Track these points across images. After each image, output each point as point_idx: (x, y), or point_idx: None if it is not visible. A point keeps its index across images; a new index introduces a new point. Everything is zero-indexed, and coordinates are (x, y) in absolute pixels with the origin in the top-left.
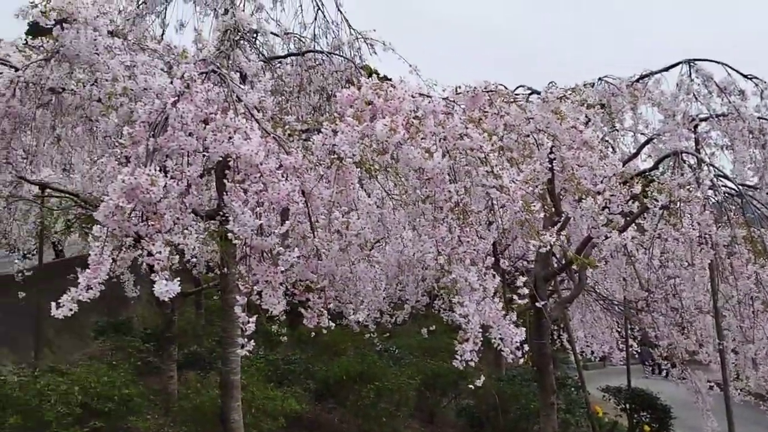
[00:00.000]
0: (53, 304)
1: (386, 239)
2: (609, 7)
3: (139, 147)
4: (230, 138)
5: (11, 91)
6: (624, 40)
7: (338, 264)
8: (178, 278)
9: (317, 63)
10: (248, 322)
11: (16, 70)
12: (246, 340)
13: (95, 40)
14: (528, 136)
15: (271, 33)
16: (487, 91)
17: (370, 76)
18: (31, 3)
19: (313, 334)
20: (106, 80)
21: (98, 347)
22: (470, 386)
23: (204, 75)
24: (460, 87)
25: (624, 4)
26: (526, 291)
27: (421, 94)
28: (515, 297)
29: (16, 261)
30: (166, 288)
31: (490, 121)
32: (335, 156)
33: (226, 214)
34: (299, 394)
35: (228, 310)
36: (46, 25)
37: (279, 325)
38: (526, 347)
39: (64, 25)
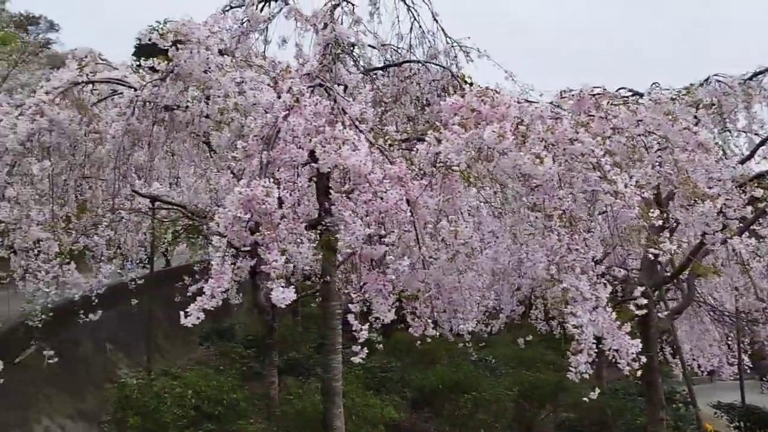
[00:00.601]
0: (182, 313)
1: (481, 248)
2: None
3: (252, 160)
4: (339, 149)
5: (131, 109)
6: (696, 38)
7: (445, 273)
8: (293, 286)
9: (413, 73)
10: (361, 329)
11: (134, 89)
12: (360, 347)
13: (208, 58)
14: (632, 138)
15: (369, 45)
16: (593, 94)
17: (466, 84)
18: (150, 27)
19: (417, 342)
20: (219, 97)
21: (203, 352)
22: (584, 399)
23: (311, 89)
24: (564, 91)
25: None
26: (644, 301)
27: (527, 100)
28: (632, 308)
29: (129, 270)
30: (283, 295)
31: (597, 125)
32: (441, 164)
33: (328, 224)
34: (397, 402)
35: (329, 318)
36: (164, 46)
37: (375, 332)
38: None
39: (178, 45)
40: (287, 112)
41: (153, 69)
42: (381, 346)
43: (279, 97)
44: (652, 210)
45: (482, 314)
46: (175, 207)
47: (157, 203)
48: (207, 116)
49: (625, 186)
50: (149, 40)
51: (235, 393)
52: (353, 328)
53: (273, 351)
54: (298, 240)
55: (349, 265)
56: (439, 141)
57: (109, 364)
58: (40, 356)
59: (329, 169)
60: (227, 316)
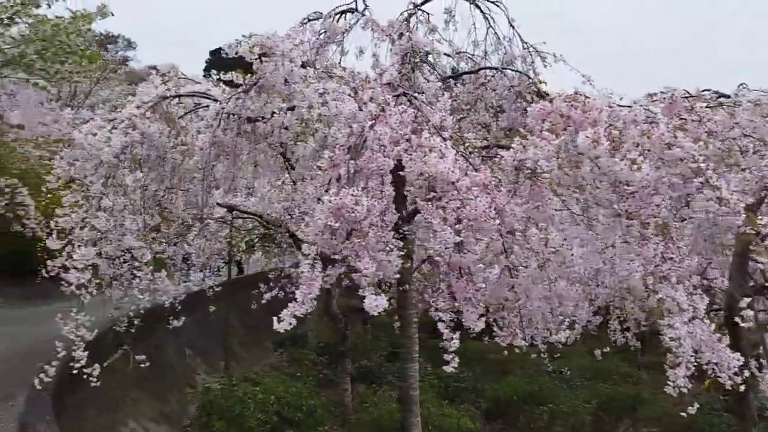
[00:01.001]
0: (275, 318)
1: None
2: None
3: (339, 169)
4: (425, 157)
5: (217, 122)
6: (704, 38)
7: (535, 282)
8: (382, 293)
9: (487, 80)
10: (452, 338)
11: (218, 102)
12: (452, 356)
13: (292, 70)
14: (726, 141)
15: (444, 54)
16: (686, 97)
17: (540, 88)
18: (237, 41)
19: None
20: (303, 108)
21: (276, 359)
22: (682, 414)
23: (395, 98)
24: (653, 93)
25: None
26: (750, 312)
27: (619, 105)
28: (739, 320)
29: (207, 278)
30: (375, 303)
31: (691, 129)
32: (528, 171)
33: (405, 232)
34: (472, 412)
35: (405, 326)
36: (250, 59)
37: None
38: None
39: (263, 58)
40: (373, 121)
41: (230, 83)
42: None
43: (360, 108)
44: (760, 217)
45: (558, 324)
46: (251, 216)
47: (234, 212)
48: (286, 128)
49: (730, 192)
50: (235, 53)
51: (313, 399)
52: (443, 337)
53: (346, 358)
54: (387, 248)
55: (428, 273)
56: (525, 147)
57: (188, 369)
58: (126, 360)
59: (416, 178)
60: (300, 323)
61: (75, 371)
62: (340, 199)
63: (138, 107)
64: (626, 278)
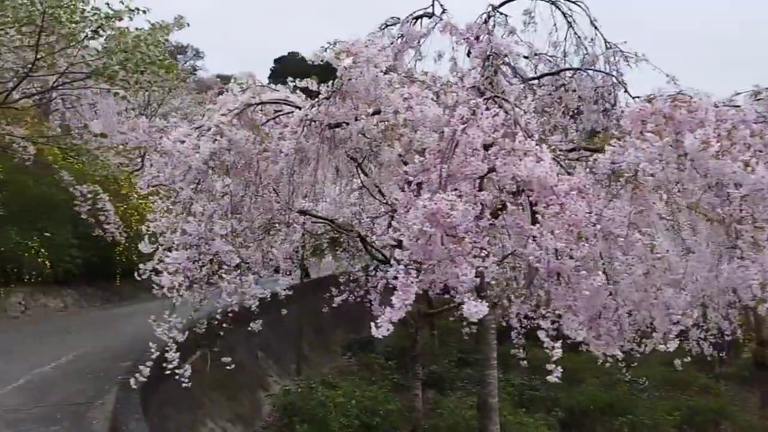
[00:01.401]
0: (372, 324)
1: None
2: None
3: (431, 174)
4: (520, 161)
5: (301, 128)
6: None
7: (638, 289)
8: (477, 298)
9: (567, 81)
10: (554, 347)
11: (298, 108)
12: (554, 366)
13: (377, 76)
14: None
15: (523, 56)
16: None
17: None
18: (322, 47)
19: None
20: (388, 113)
21: (344, 362)
22: None
23: (486, 101)
24: (757, 91)
25: None
26: None
27: (725, 104)
28: None
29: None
30: (475, 309)
31: None
32: (628, 174)
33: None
34: (548, 421)
35: (484, 333)
36: (337, 65)
37: (518, 348)
38: None
39: (348, 64)
40: (465, 125)
41: (305, 90)
42: (525, 362)
43: (446, 112)
44: None
45: (634, 332)
46: (323, 221)
47: (306, 217)
48: (363, 134)
49: None
50: (321, 60)
51: (390, 404)
52: (544, 345)
53: (416, 363)
54: (483, 253)
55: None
56: (623, 150)
57: (260, 370)
58: (203, 361)
59: (508, 182)
60: (363, 327)
61: (168, 371)
62: (435, 204)
63: (223, 115)
64: (737, 286)
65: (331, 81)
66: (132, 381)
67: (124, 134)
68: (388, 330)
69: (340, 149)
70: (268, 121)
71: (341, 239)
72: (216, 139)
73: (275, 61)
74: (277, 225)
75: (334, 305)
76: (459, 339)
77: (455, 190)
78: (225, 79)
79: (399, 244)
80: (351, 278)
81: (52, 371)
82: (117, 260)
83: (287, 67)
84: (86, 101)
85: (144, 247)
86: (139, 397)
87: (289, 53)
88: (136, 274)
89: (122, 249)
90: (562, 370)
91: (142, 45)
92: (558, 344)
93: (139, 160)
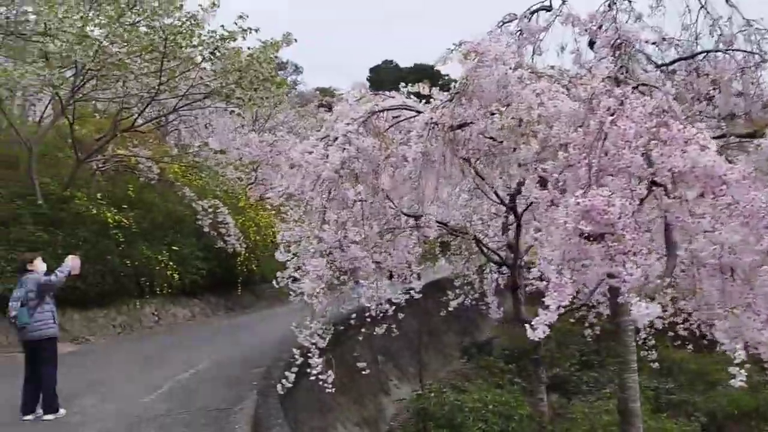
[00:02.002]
0: (527, 326)
1: None
2: None
3: (578, 170)
4: (683, 150)
5: (426, 132)
6: None
7: None
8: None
9: (699, 65)
10: (736, 350)
11: (418, 113)
12: (738, 369)
13: (506, 73)
14: None
15: (651, 43)
16: None
17: None
18: (448, 49)
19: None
20: (521, 110)
21: (460, 365)
22: None
23: (633, 90)
24: None
25: None
26: None
27: None
28: None
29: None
30: (647, 311)
31: None
32: None
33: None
34: (691, 427)
35: (622, 335)
36: (464, 66)
37: (648, 350)
38: None
39: (473, 65)
40: (612, 116)
41: (417, 94)
42: (656, 364)
43: (581, 105)
44: None
45: None
46: (438, 224)
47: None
48: (482, 134)
49: None
50: (444, 62)
51: (521, 408)
52: (720, 348)
53: (540, 367)
54: (644, 251)
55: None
56: None
57: (381, 375)
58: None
59: (667, 175)
60: (475, 330)
61: (312, 377)
62: (589, 200)
63: (348, 124)
64: None
65: (438, 84)
66: (279, 387)
67: (239, 149)
68: (544, 332)
69: (461, 151)
70: (389, 127)
71: (451, 243)
72: (345, 148)
73: (370, 70)
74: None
75: (450, 309)
76: (579, 341)
77: (602, 185)
78: (323, 92)
79: (511, 248)
80: (465, 281)
81: (190, 378)
82: (238, 270)
83: (382, 76)
84: (203, 120)
85: (280, 255)
86: (279, 401)
87: (383, 62)
88: (274, 282)
89: (242, 259)
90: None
91: (255, 63)
92: (740, 346)
93: (253, 173)
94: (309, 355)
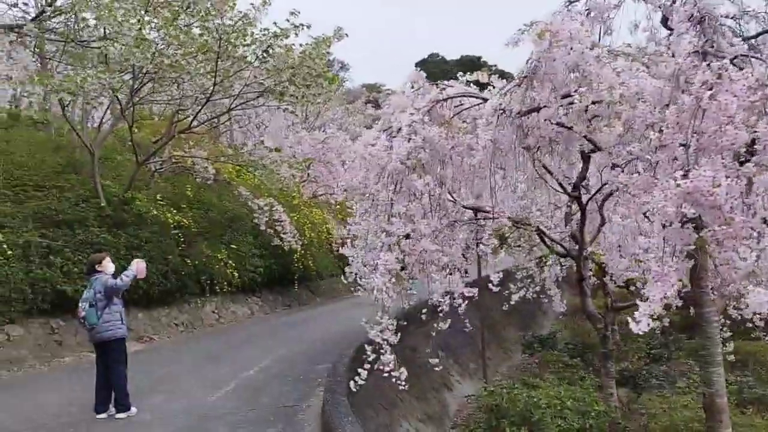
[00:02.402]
0: (629, 319)
1: None
2: None
3: (672, 150)
4: None
5: (495, 119)
6: None
7: None
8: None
9: None
10: None
11: (484, 100)
12: None
13: (583, 52)
14: None
15: (731, 17)
16: None
17: None
18: (519, 30)
19: None
20: (602, 90)
21: (520, 360)
22: None
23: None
24: None
25: None
26: None
27: None
28: None
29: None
30: (765, 298)
31: None
32: None
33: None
34: None
35: (705, 327)
36: (538, 47)
37: (725, 342)
38: None
39: (549, 44)
40: (710, 91)
41: (476, 83)
42: (732, 357)
43: (670, 82)
44: None
45: None
46: (494, 217)
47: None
48: (548, 120)
49: None
50: (515, 43)
51: (597, 405)
52: None
53: (610, 361)
54: (754, 235)
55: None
56: None
57: (443, 370)
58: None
59: None
60: (533, 323)
61: (385, 374)
62: (691, 182)
63: (411, 114)
64: None
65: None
66: (352, 384)
67: (291, 148)
68: (648, 325)
69: (528, 139)
70: (453, 116)
71: (508, 235)
72: (411, 138)
73: (416, 64)
74: (455, 223)
75: (511, 302)
76: (645, 334)
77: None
78: (370, 88)
79: (575, 239)
80: (526, 274)
81: (255, 375)
82: (294, 267)
83: (429, 69)
84: (256, 120)
85: (348, 250)
86: (346, 399)
87: (429, 55)
88: (342, 277)
89: (299, 257)
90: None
91: (308, 59)
92: None
93: (306, 171)
94: (381, 351)
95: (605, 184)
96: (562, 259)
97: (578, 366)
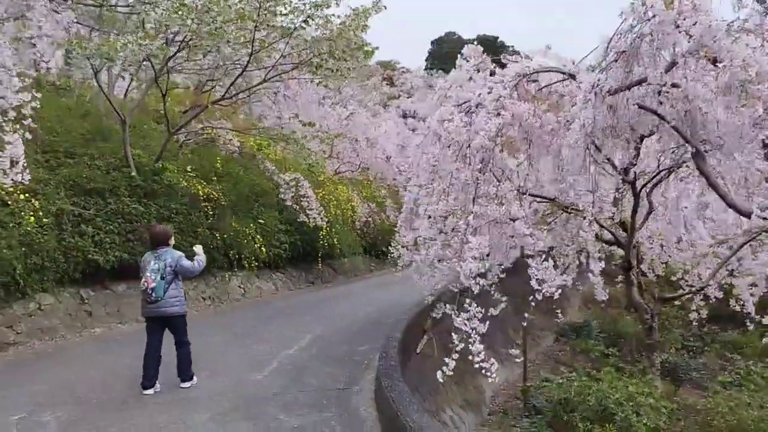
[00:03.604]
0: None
1: None
2: None
3: None
4: None
5: (593, 96)
6: None
7: None
8: None
9: None
10: None
11: (571, 77)
12: None
13: (710, 26)
14: None
15: None
16: None
17: None
18: (631, 3)
19: None
20: (735, 67)
21: (548, 348)
22: None
23: None
24: None
25: None
26: None
27: None
28: None
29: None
30: None
31: None
32: None
33: None
34: None
35: None
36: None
37: None
38: None
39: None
40: None
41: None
42: None
43: None
44: None
45: None
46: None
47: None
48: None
49: None
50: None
51: (663, 400)
52: None
53: (654, 352)
54: None
55: None
56: None
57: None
58: (430, 347)
59: None
60: (564, 311)
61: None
62: None
63: (490, 91)
64: None
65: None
66: (439, 374)
67: (319, 123)
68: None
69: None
70: (537, 91)
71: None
72: (500, 113)
73: (432, 42)
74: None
75: (553, 289)
76: (684, 325)
77: None
78: (384, 65)
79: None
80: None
81: (297, 354)
82: (319, 245)
83: (444, 48)
84: (288, 92)
85: (425, 230)
86: (405, 385)
87: (446, 33)
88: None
89: (324, 233)
90: None
91: (347, 30)
92: None
93: (330, 147)
94: (470, 341)
95: (664, 169)
96: (608, 247)
97: (615, 356)
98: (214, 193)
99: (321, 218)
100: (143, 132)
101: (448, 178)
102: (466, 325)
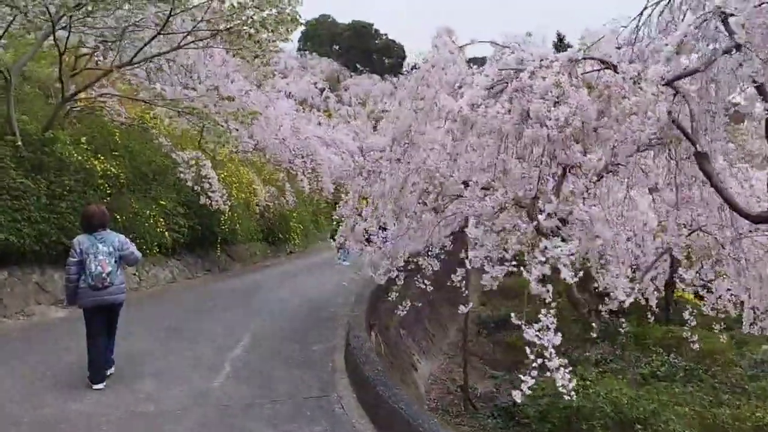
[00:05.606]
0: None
1: None
2: None
3: None
4: None
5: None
6: None
7: None
8: None
9: None
10: None
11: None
12: None
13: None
14: None
15: None
16: None
17: None
18: None
19: None
20: None
21: (456, 338)
22: None
23: None
24: None
25: None
26: None
27: None
28: None
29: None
30: None
31: None
32: None
33: None
34: None
35: None
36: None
37: None
38: None
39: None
40: None
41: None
42: None
43: None
44: None
45: None
46: None
47: None
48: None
49: None
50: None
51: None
52: None
53: (593, 347)
54: None
55: None
56: None
57: (408, 349)
58: (377, 343)
59: None
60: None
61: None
62: None
63: (531, 74)
64: None
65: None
66: (518, 395)
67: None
68: None
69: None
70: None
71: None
72: (564, 102)
73: (305, 23)
74: None
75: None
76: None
77: None
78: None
79: None
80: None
81: (246, 356)
82: (219, 230)
83: (318, 31)
84: (198, 63)
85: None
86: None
87: (320, 15)
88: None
89: (226, 218)
90: None
91: None
92: None
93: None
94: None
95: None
96: None
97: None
98: (113, 169)
99: (224, 202)
100: (23, 95)
101: (491, 170)
102: (537, 337)
